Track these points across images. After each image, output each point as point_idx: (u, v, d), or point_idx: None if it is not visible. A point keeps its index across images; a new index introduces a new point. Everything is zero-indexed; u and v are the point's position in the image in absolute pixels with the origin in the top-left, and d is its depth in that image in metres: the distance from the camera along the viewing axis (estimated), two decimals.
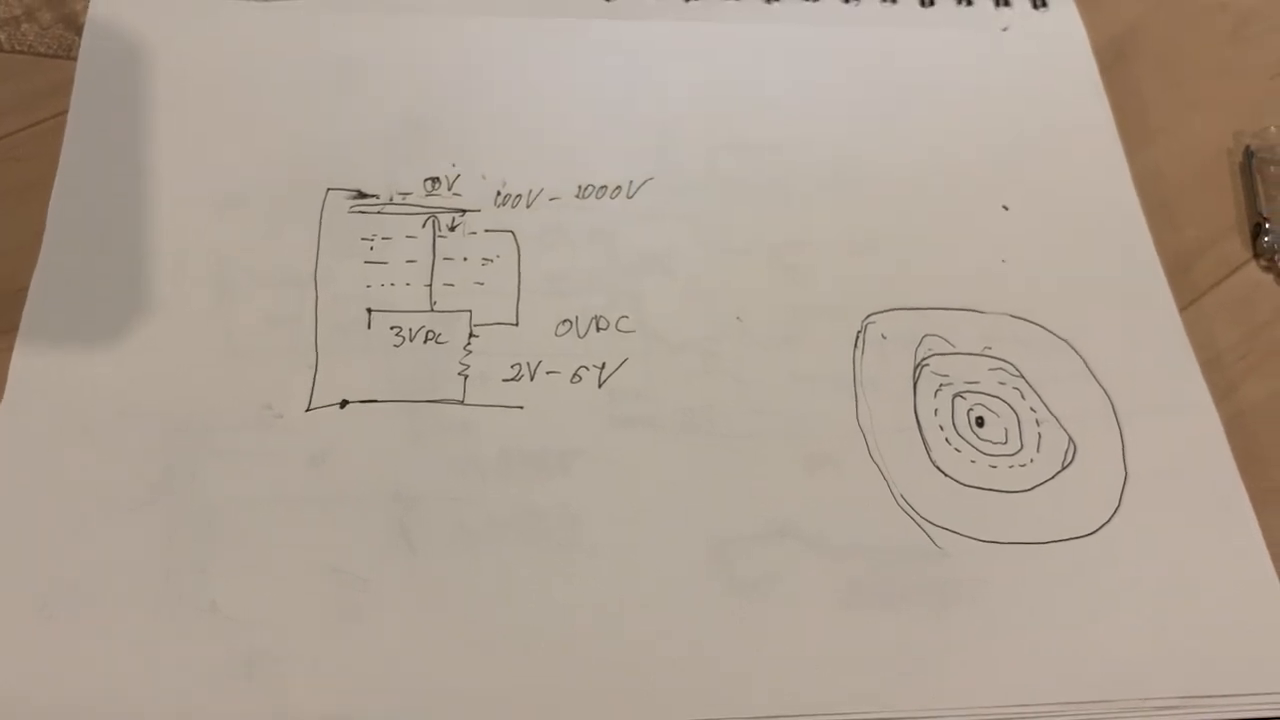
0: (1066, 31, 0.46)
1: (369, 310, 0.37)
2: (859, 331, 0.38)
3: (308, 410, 0.35)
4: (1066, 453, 0.36)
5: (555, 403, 0.36)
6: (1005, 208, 0.41)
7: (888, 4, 0.46)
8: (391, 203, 0.39)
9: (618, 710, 0.32)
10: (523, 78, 0.43)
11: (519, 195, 0.40)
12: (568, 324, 0.38)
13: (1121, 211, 0.42)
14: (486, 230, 0.39)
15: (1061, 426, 0.37)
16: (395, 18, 0.44)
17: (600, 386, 0.36)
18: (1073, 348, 0.38)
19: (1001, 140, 0.43)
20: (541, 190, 0.40)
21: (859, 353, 0.38)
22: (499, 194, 0.40)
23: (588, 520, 0.34)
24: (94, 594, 0.32)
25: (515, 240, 0.39)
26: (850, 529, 0.35)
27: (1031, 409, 0.37)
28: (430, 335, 0.37)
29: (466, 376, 0.36)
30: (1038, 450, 0.36)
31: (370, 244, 0.39)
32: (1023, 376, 0.38)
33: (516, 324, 0.37)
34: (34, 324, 0.36)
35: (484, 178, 0.40)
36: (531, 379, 0.36)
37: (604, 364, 0.37)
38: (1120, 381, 0.38)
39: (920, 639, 0.33)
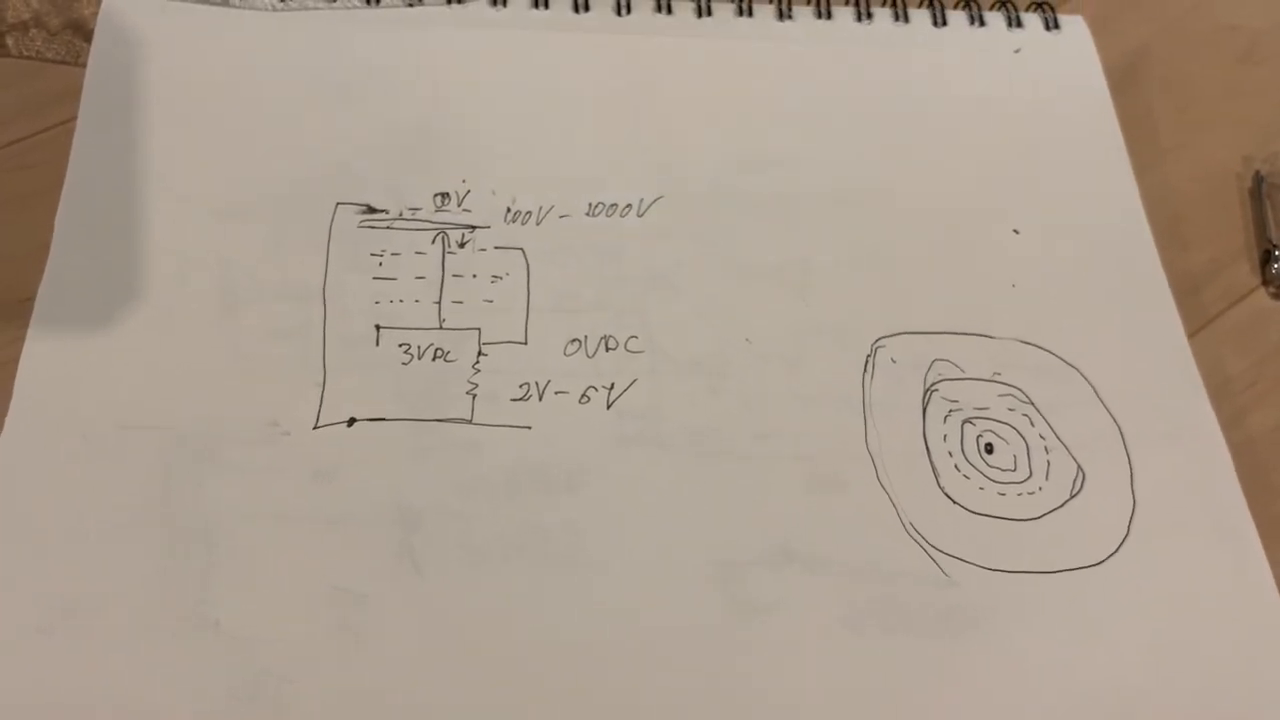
0: (1078, 53, 0.46)
1: (377, 327, 0.37)
2: (868, 355, 0.38)
3: (315, 428, 0.35)
4: (1075, 481, 0.36)
5: (563, 423, 0.36)
6: (1016, 231, 0.41)
7: (900, 23, 0.46)
8: (401, 218, 0.39)
9: None
10: (533, 93, 0.43)
11: (529, 212, 0.40)
12: (576, 343, 0.37)
13: (1131, 235, 0.42)
14: (496, 247, 0.39)
15: (1070, 454, 0.37)
16: (407, 31, 0.43)
17: (609, 407, 0.36)
18: (1082, 374, 0.38)
19: (1012, 161, 0.43)
20: (551, 207, 0.40)
21: (868, 376, 0.38)
22: (509, 211, 0.40)
23: (594, 541, 0.34)
24: (95, 610, 0.32)
25: (525, 258, 0.39)
26: (857, 554, 0.34)
27: (1040, 436, 0.37)
28: (439, 353, 0.37)
29: (475, 395, 0.36)
30: (1046, 478, 0.36)
31: (379, 259, 0.38)
32: (1032, 403, 0.38)
33: (525, 343, 0.37)
34: (40, 333, 0.36)
35: (494, 194, 0.40)
36: (540, 399, 0.36)
37: (612, 384, 0.37)
38: (1129, 409, 0.38)
39: (925, 666, 0.33)
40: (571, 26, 0.44)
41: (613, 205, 0.40)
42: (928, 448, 0.36)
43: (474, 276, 0.38)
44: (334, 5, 0.43)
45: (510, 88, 0.43)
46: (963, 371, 0.38)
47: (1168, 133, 0.46)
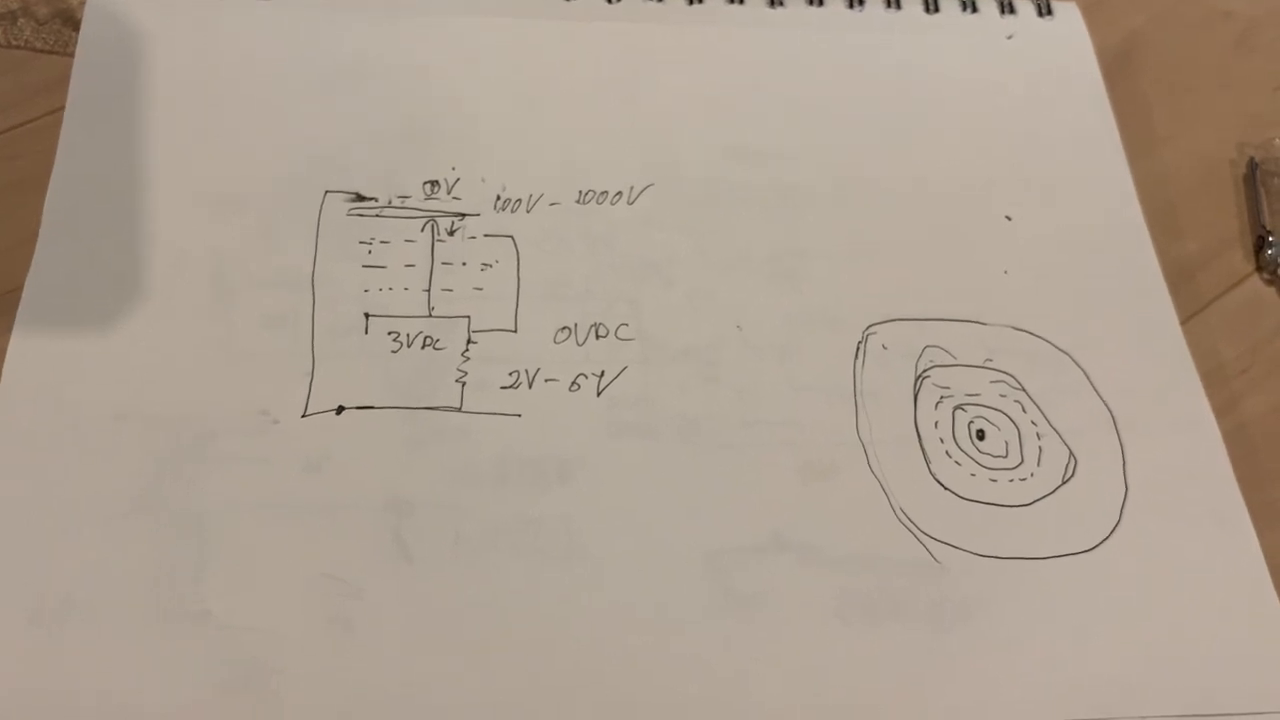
0: (1071, 39, 0.46)
1: (366, 315, 0.37)
2: (860, 342, 0.38)
3: (304, 416, 0.35)
4: (1067, 467, 0.36)
5: (553, 411, 0.36)
6: (1008, 218, 0.41)
7: (892, 10, 0.46)
8: (390, 206, 0.39)
9: None
10: (524, 81, 0.43)
11: (519, 200, 0.40)
12: (566, 331, 0.37)
13: (1124, 222, 0.42)
14: (486, 235, 0.39)
15: (1062, 440, 0.37)
16: (397, 19, 0.43)
17: (599, 395, 0.36)
18: (1074, 360, 0.38)
19: (1005, 148, 0.43)
20: (541, 195, 0.40)
21: (859, 363, 0.37)
22: (499, 198, 0.40)
23: (584, 530, 0.34)
24: (86, 602, 0.31)
25: (515, 245, 0.39)
26: (848, 541, 0.34)
27: (1032, 422, 0.37)
28: (428, 341, 0.37)
29: (464, 383, 0.36)
30: (1038, 464, 0.36)
31: (368, 247, 0.38)
32: (1024, 389, 0.37)
33: (515, 330, 0.37)
34: (28, 324, 0.36)
35: (484, 181, 0.40)
36: (530, 386, 0.36)
37: (603, 372, 0.37)
38: (1121, 395, 0.38)
39: (917, 654, 0.33)
40: (562, 14, 0.44)
41: (603, 193, 0.40)
42: (919, 434, 0.36)
43: (464, 264, 0.38)
44: None
45: (500, 75, 0.43)
46: (954, 358, 0.38)
47: (1161, 119, 0.46)
